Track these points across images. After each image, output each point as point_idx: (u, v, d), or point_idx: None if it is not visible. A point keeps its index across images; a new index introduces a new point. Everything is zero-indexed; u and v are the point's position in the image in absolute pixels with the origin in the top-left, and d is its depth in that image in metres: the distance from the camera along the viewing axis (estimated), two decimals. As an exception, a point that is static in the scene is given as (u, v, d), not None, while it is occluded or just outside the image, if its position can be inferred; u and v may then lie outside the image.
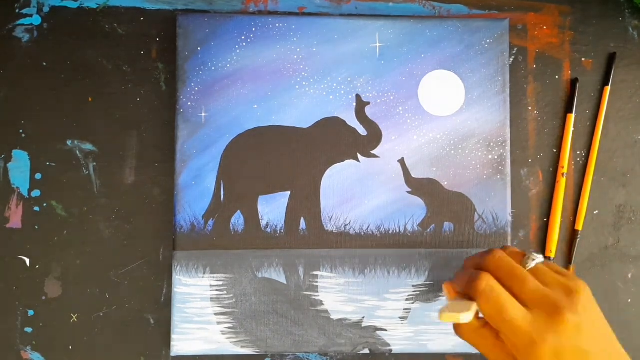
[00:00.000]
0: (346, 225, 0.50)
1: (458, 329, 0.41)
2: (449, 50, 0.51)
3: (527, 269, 0.40)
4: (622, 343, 0.52)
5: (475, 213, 0.50)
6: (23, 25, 0.52)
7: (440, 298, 0.50)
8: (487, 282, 0.39)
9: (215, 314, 0.49)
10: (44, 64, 0.52)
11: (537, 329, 0.37)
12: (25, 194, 0.51)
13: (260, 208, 0.50)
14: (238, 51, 0.51)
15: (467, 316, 0.39)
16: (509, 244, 0.50)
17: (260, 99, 0.51)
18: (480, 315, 0.40)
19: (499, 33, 0.51)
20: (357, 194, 0.50)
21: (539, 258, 0.41)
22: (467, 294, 0.40)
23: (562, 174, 0.52)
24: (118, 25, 0.52)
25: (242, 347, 0.49)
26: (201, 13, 0.51)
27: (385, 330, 0.50)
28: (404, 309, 0.50)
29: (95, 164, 0.51)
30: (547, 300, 0.38)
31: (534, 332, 0.37)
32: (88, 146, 0.51)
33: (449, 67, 0.51)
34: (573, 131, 0.52)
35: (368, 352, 0.50)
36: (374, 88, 0.51)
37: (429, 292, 0.50)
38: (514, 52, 0.53)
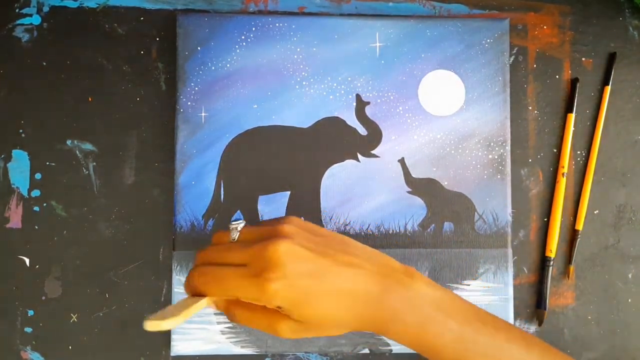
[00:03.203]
0: (346, 225, 0.50)
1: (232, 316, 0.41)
2: (449, 50, 0.51)
3: (235, 238, 0.40)
4: (622, 343, 0.52)
5: (476, 213, 0.50)
6: (23, 25, 0.52)
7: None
8: (196, 272, 0.39)
9: (215, 313, 0.49)
10: (44, 64, 0.52)
11: (261, 275, 0.37)
12: (25, 194, 0.51)
13: (260, 208, 0.50)
14: (238, 51, 0.51)
15: (172, 322, 0.36)
16: (509, 243, 0.50)
17: (260, 99, 0.51)
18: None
19: (499, 33, 0.51)
20: (357, 194, 0.50)
21: (240, 223, 0.41)
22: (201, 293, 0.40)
23: (562, 174, 0.52)
24: (118, 25, 0.52)
25: (242, 347, 0.49)
26: (201, 13, 0.51)
27: (385, 330, 0.50)
28: (404, 309, 0.50)
29: (95, 164, 0.51)
30: (253, 250, 0.37)
31: (255, 276, 0.37)
32: (88, 146, 0.51)
33: (449, 67, 0.51)
34: (573, 131, 0.52)
35: (368, 352, 0.50)
36: (374, 88, 0.51)
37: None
38: (514, 52, 0.53)
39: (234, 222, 0.41)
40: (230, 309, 0.40)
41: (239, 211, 0.41)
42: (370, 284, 0.38)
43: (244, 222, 0.41)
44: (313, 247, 0.38)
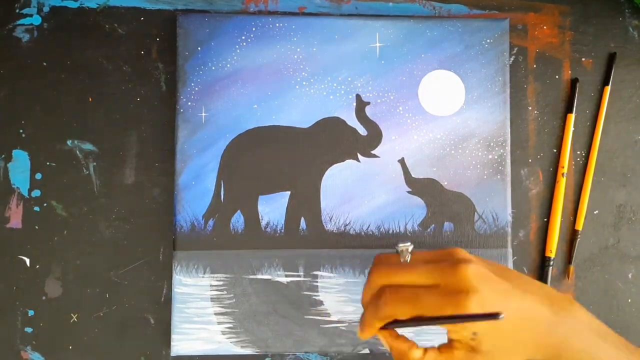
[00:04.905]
0: (346, 225, 0.50)
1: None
2: (449, 50, 0.51)
3: (408, 261, 0.40)
4: (622, 343, 0.52)
5: (475, 213, 0.50)
6: (23, 25, 0.52)
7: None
8: (389, 289, 0.39)
9: (215, 314, 0.50)
10: (44, 64, 0.52)
11: (454, 291, 0.37)
12: (25, 194, 0.51)
13: (260, 208, 0.50)
14: (238, 51, 0.51)
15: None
16: (509, 243, 0.50)
17: (260, 99, 0.51)
18: None
19: (499, 33, 0.51)
20: (357, 194, 0.50)
21: (410, 246, 0.41)
22: (382, 319, 0.40)
23: (562, 174, 0.52)
24: (118, 25, 0.52)
25: (242, 347, 0.49)
26: (201, 13, 0.51)
27: (385, 330, 0.50)
28: (404, 309, 0.50)
29: (95, 164, 0.51)
30: (442, 268, 0.38)
31: (452, 294, 0.37)
32: (88, 146, 0.51)
33: (449, 67, 0.51)
34: (573, 131, 0.53)
35: (368, 352, 0.50)
36: (374, 88, 0.51)
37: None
38: (514, 52, 0.53)
39: (402, 244, 0.41)
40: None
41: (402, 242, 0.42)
42: (543, 310, 0.38)
43: (412, 244, 0.41)
44: (494, 270, 0.38)
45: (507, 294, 0.38)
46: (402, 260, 0.41)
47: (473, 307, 0.36)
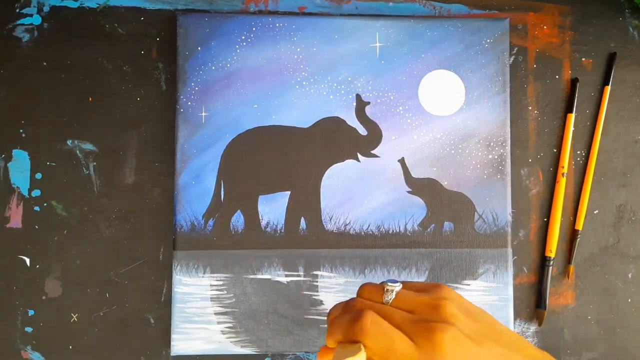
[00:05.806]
0: (346, 225, 0.50)
1: None
2: (449, 50, 0.51)
3: (390, 301, 0.39)
4: (622, 343, 0.52)
5: (475, 213, 0.50)
6: (23, 25, 0.52)
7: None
8: (372, 318, 0.37)
9: (215, 313, 0.50)
10: (44, 64, 0.52)
11: (426, 355, 0.36)
12: (26, 193, 0.51)
13: (260, 208, 0.50)
14: (238, 51, 0.51)
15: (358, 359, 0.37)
16: (509, 243, 0.50)
17: (260, 99, 0.51)
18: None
19: (499, 33, 0.51)
20: (357, 194, 0.50)
21: (397, 286, 0.39)
22: (350, 339, 0.38)
23: (562, 174, 0.52)
24: (118, 25, 0.52)
25: (242, 346, 0.49)
26: (201, 13, 0.51)
27: (385, 330, 0.50)
28: (404, 309, 0.50)
29: (95, 164, 0.51)
30: (419, 327, 0.37)
31: (423, 355, 0.36)
32: (88, 146, 0.51)
33: (449, 67, 0.51)
34: (573, 131, 0.53)
35: (368, 352, 0.50)
36: (374, 88, 0.51)
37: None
38: (514, 52, 0.53)
39: (390, 284, 0.39)
40: None
41: (394, 279, 0.40)
42: None
43: (401, 285, 0.39)
44: (472, 335, 0.37)
45: None
46: (385, 299, 0.39)
47: None
